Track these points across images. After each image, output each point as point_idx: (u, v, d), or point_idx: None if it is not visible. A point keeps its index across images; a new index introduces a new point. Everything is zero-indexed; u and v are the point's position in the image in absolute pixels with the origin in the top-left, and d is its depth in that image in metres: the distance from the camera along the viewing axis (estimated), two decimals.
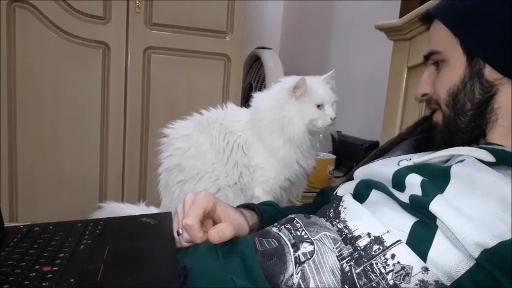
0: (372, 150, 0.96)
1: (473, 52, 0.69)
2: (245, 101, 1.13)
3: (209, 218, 0.72)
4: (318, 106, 1.00)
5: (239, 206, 0.82)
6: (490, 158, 0.61)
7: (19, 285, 0.55)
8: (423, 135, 0.87)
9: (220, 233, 0.67)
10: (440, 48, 0.73)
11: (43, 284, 0.55)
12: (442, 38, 0.73)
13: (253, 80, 2.45)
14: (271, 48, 2.46)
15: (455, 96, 0.71)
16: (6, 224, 0.77)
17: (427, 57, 0.77)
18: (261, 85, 2.35)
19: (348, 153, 1.87)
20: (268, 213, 0.81)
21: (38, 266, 0.60)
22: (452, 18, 0.72)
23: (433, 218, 0.57)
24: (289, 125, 1.00)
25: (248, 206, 0.82)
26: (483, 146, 0.66)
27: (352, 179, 0.83)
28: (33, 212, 1.73)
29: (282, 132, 1.01)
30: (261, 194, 1.04)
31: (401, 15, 1.56)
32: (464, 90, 0.70)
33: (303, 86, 0.98)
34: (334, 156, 1.78)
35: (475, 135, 0.71)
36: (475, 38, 0.69)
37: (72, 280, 0.56)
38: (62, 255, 0.64)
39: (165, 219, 0.78)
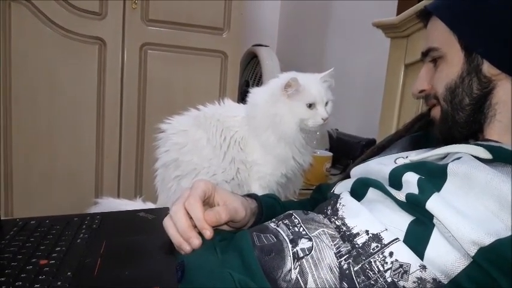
0: (369, 148, 0.96)
1: (471, 48, 0.69)
2: (241, 99, 1.13)
3: (207, 205, 0.71)
4: (310, 106, 0.99)
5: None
6: (487, 155, 0.61)
7: (16, 278, 0.55)
8: (420, 133, 0.86)
9: (217, 215, 0.67)
10: (438, 45, 0.73)
11: (40, 277, 0.55)
12: (440, 35, 0.73)
13: (250, 77, 2.44)
14: (268, 46, 2.45)
15: (453, 91, 0.71)
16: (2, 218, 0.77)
17: (425, 54, 0.77)
18: (258, 83, 2.34)
19: (345, 151, 1.87)
20: (267, 203, 0.81)
21: (35, 259, 0.61)
22: (450, 14, 0.72)
23: (429, 216, 0.57)
24: (280, 123, 1.00)
25: (250, 195, 0.82)
26: (479, 143, 0.66)
27: (348, 177, 0.83)
28: (28, 208, 1.72)
29: (275, 129, 1.01)
30: (257, 190, 1.04)
31: (399, 12, 1.56)
32: (462, 85, 0.70)
33: (295, 85, 0.97)
34: (331, 154, 1.79)
35: (473, 130, 0.71)
36: (473, 33, 0.69)
37: (69, 273, 0.57)
38: (59, 248, 0.64)
39: (162, 214, 0.78)
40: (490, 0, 0.68)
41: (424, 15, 0.78)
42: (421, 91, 0.78)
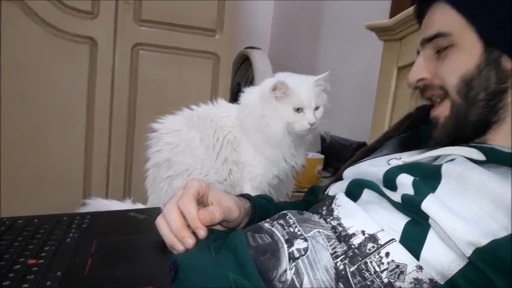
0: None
1: (490, 38, 0.64)
2: (233, 101, 1.12)
3: (201, 204, 0.69)
4: (298, 109, 0.98)
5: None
6: (480, 157, 0.61)
7: (3, 278, 0.53)
8: (409, 133, 0.85)
9: (211, 214, 0.65)
10: (449, 31, 0.66)
11: (28, 277, 0.54)
12: (449, 21, 0.67)
13: (242, 80, 2.44)
14: (260, 48, 2.45)
15: (470, 83, 0.65)
16: None
17: (429, 40, 0.69)
18: (250, 85, 2.32)
19: (336, 153, 1.87)
20: (261, 204, 0.80)
21: (23, 259, 0.59)
22: (464, 2, 0.66)
23: (425, 217, 0.57)
24: (267, 126, 0.99)
25: (243, 195, 0.81)
26: (472, 144, 0.65)
27: (340, 178, 0.82)
28: (15, 208, 1.68)
29: (262, 131, 1.00)
30: (249, 191, 1.03)
31: (392, 15, 1.57)
32: (480, 77, 0.65)
33: (282, 87, 0.96)
34: (322, 156, 1.78)
35: (479, 131, 0.67)
36: (490, 23, 0.64)
37: (59, 273, 0.55)
38: (48, 248, 0.63)
39: (153, 214, 0.77)
40: None
41: (425, 1, 0.72)
42: (419, 80, 0.72)
